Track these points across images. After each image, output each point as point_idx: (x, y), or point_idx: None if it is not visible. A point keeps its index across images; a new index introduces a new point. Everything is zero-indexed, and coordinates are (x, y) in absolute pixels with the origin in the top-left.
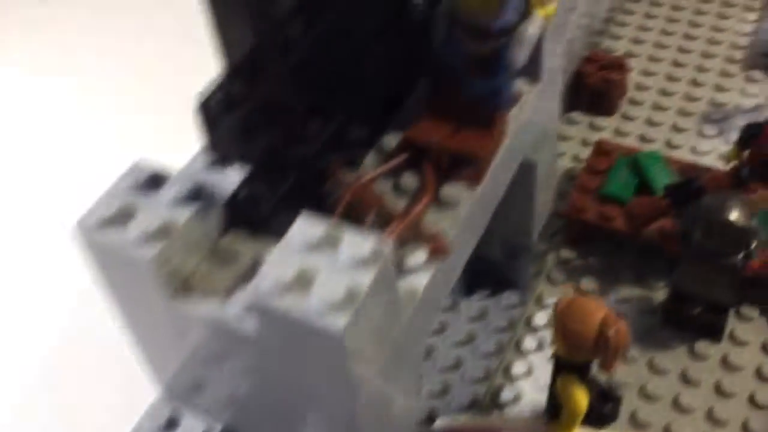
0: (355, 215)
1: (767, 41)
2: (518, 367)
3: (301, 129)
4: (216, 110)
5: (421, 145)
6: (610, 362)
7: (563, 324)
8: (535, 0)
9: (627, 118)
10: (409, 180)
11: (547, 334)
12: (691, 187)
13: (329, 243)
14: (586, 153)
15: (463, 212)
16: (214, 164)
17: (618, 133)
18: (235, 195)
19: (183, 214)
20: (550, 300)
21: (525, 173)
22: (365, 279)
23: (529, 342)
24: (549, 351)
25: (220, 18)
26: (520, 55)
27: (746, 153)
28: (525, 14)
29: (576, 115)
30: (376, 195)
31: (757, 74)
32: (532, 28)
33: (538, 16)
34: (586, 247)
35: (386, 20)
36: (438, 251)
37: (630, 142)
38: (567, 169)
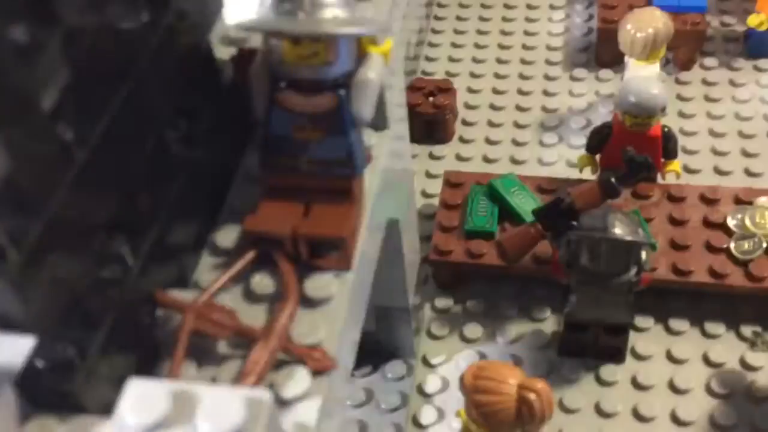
0: (206, 344)
1: (580, 37)
2: None
3: (106, 255)
4: None
5: (268, 236)
6: (536, 430)
7: (476, 399)
8: (366, 39)
9: (464, 141)
10: (263, 282)
11: (444, 400)
12: (560, 207)
13: (182, 413)
14: (432, 186)
15: (340, 307)
16: None
17: (459, 158)
18: (29, 368)
19: None
20: (437, 359)
21: (389, 232)
22: None
23: (427, 414)
24: (451, 420)
25: None
26: (366, 106)
27: (598, 157)
28: (359, 58)
29: (413, 148)
30: (227, 311)
31: (579, 72)
32: (372, 72)
33: (376, 56)
34: (461, 290)
35: (186, 93)
36: (323, 369)
37: (474, 166)
38: (419, 207)
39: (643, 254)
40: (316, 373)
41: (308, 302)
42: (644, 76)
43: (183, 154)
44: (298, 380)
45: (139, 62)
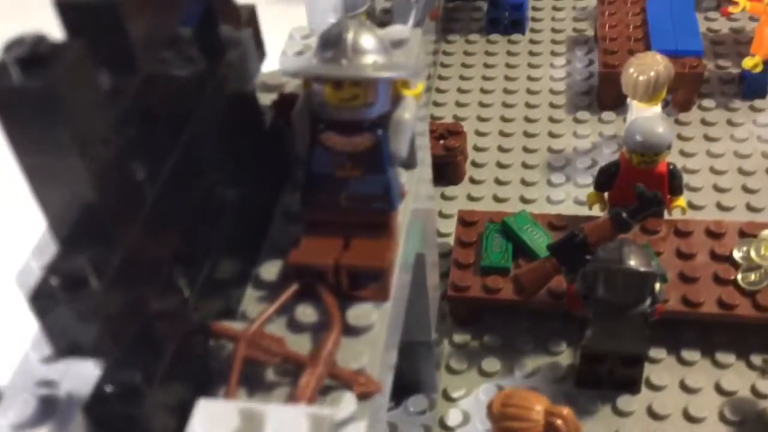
0: (255, 372)
1: (581, 81)
2: None
3: (168, 287)
4: (55, 297)
5: (311, 269)
6: None
7: (504, 426)
8: (400, 83)
9: (475, 182)
10: (306, 312)
11: None
12: (574, 241)
13: (250, 429)
14: (446, 226)
15: (380, 335)
16: (57, 358)
17: (471, 198)
18: (97, 394)
19: None
20: (457, 393)
21: (416, 266)
22: None
23: None
24: None
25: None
26: (403, 145)
27: (607, 195)
28: (394, 100)
29: None
30: (276, 338)
31: (582, 114)
32: (407, 113)
33: (410, 98)
34: (477, 325)
35: (233, 136)
36: (368, 393)
37: (485, 205)
38: None
39: (657, 285)
40: (362, 396)
41: (350, 330)
42: (649, 116)
43: (231, 193)
44: (345, 404)
45: (197, 108)
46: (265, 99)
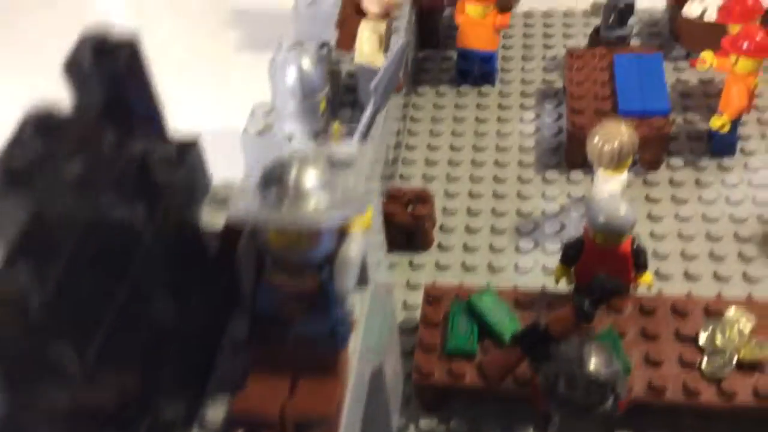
0: None
1: (550, 137)
2: None
3: None
4: None
5: (259, 419)
6: None
7: None
8: None
9: (443, 248)
10: None
11: None
12: (537, 333)
13: None
14: (413, 297)
15: None
16: None
17: (439, 267)
18: None
19: None
20: None
21: (373, 377)
22: None
23: None
24: None
25: None
26: (348, 283)
27: (573, 269)
28: (341, 235)
29: (392, 257)
30: None
31: (551, 174)
32: (353, 250)
33: (356, 234)
34: (445, 409)
35: (177, 273)
36: None
37: (453, 274)
38: (400, 321)
39: (619, 384)
40: None
41: None
42: (612, 197)
43: (174, 334)
44: None
45: (135, 261)
46: (215, 216)
